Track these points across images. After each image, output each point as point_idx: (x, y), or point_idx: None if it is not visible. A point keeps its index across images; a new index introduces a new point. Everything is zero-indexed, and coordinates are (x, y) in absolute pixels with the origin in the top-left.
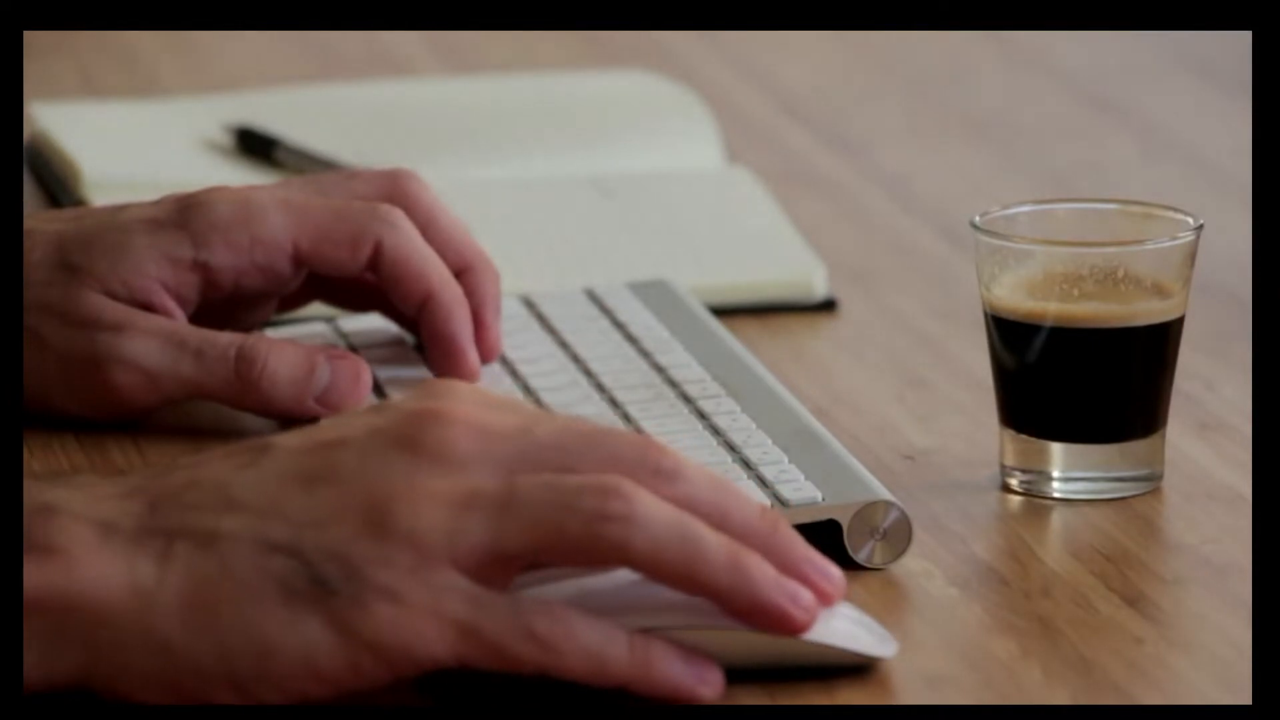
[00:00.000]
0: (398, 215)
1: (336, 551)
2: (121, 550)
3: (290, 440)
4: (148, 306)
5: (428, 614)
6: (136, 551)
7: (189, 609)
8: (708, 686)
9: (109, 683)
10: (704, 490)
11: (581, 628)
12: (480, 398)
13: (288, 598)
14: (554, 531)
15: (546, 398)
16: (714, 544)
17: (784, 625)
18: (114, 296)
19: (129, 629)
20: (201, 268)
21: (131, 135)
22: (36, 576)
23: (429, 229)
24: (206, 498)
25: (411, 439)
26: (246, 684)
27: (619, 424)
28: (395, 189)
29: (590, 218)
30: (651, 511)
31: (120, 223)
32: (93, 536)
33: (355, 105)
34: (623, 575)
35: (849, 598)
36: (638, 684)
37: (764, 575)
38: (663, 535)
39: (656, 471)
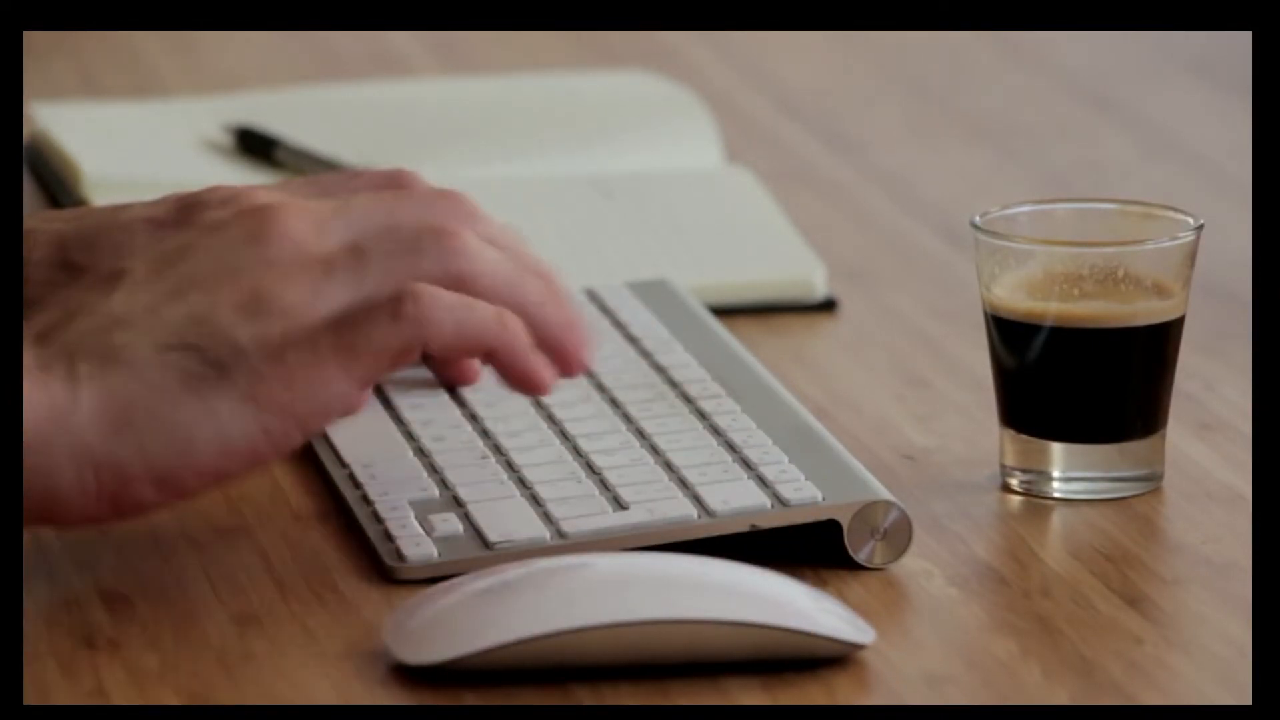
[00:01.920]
0: None
1: (223, 338)
2: (32, 379)
3: (137, 263)
4: None
5: (313, 362)
6: (45, 378)
7: (106, 416)
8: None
9: (41, 512)
10: (498, 229)
11: (446, 298)
12: (291, 188)
13: (193, 385)
14: (410, 275)
15: (546, 398)
16: (534, 266)
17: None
18: None
19: (55, 448)
20: None
21: (131, 135)
22: None
23: None
24: (89, 323)
25: (255, 232)
26: (169, 476)
27: (619, 425)
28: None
29: (590, 218)
30: (479, 245)
31: (122, 223)
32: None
33: (355, 105)
34: (619, 566)
35: (847, 597)
36: (505, 346)
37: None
38: (495, 261)
39: (470, 215)
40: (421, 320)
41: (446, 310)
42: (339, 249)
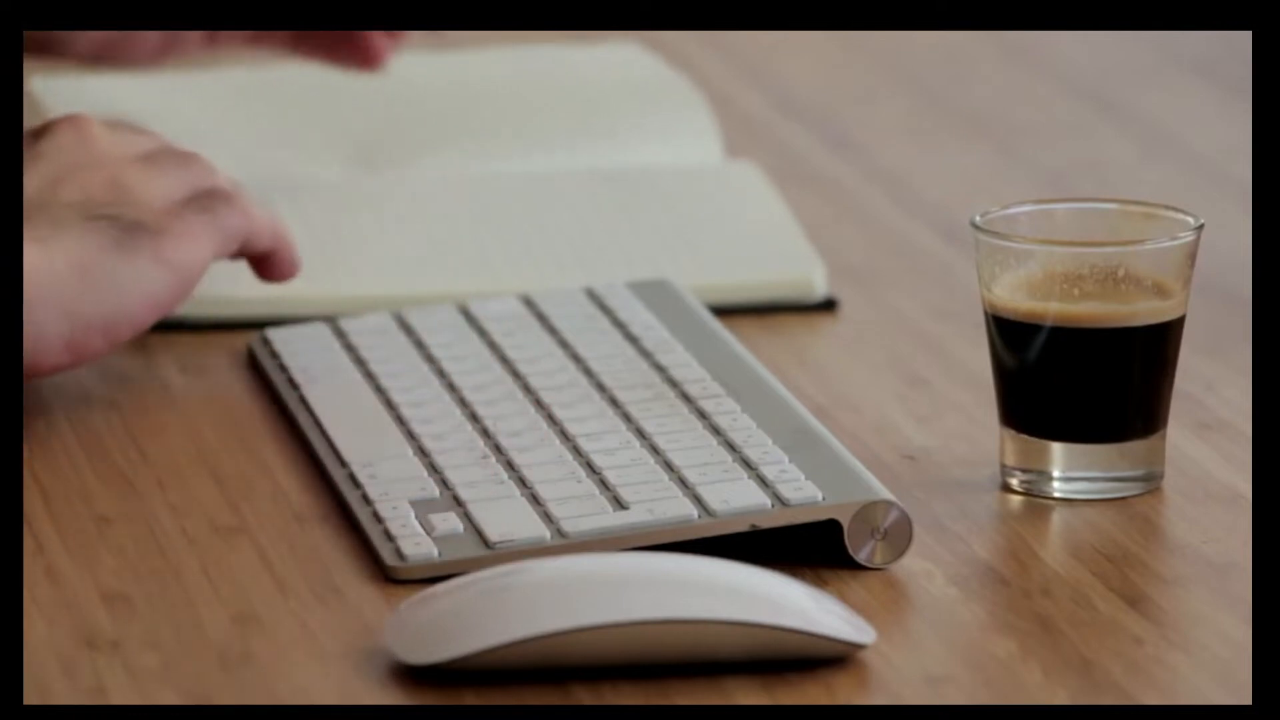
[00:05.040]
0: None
1: (109, 213)
2: (28, 243)
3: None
4: None
5: (189, 232)
6: (29, 243)
7: (73, 273)
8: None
9: (34, 361)
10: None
11: (256, 205)
12: None
13: (122, 247)
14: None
15: (546, 398)
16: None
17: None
18: None
19: (48, 303)
20: None
21: (134, 112)
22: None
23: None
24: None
25: (79, 138)
26: (113, 327)
27: (619, 425)
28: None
29: (591, 214)
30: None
31: None
32: None
33: (355, 96)
34: (619, 566)
35: (847, 597)
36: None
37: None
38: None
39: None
40: (250, 211)
41: (259, 208)
42: (154, 145)
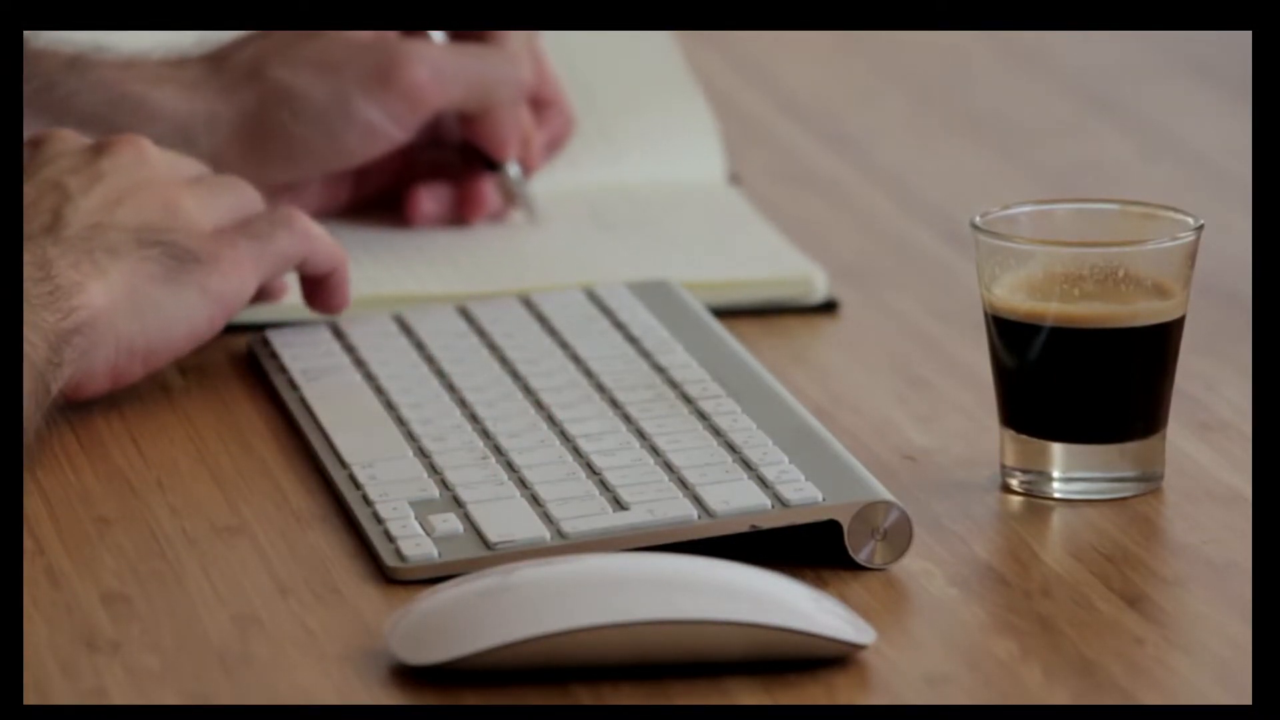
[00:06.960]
0: None
1: (163, 239)
2: (75, 271)
3: (68, 179)
4: None
5: (238, 261)
6: (78, 274)
7: (126, 302)
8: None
9: (80, 386)
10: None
11: (315, 227)
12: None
13: (170, 276)
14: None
15: (546, 398)
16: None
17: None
18: None
19: (105, 331)
20: None
21: None
22: (80, 311)
23: None
24: (79, 221)
25: (137, 157)
26: (153, 354)
27: (619, 426)
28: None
29: (589, 222)
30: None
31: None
32: (73, 272)
33: None
34: (619, 566)
35: (847, 597)
36: (342, 265)
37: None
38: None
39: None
40: (309, 233)
41: (318, 229)
42: (200, 169)
